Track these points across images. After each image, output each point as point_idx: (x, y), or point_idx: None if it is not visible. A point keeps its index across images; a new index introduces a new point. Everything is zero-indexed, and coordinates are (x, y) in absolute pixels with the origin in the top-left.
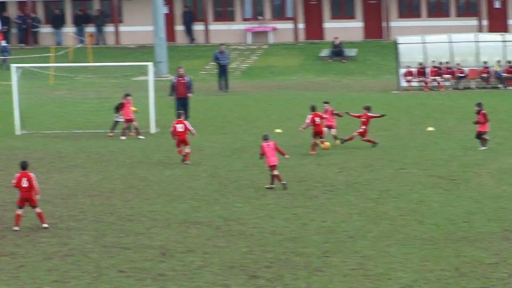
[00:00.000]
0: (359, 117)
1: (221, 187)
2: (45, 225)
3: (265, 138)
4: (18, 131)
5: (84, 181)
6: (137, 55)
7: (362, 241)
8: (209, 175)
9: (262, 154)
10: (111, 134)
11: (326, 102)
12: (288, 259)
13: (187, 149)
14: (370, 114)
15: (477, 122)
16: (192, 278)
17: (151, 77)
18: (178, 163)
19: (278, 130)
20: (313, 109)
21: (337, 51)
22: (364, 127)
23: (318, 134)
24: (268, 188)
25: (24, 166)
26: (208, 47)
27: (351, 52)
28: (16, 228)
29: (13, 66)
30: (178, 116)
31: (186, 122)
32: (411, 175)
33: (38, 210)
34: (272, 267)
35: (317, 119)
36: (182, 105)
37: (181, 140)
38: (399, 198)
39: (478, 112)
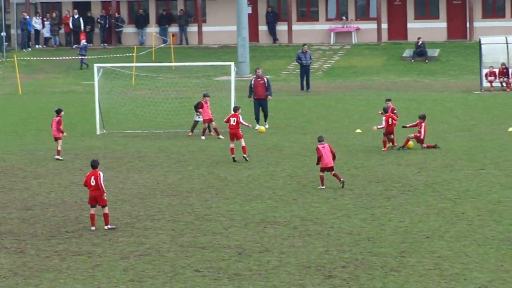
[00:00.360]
0: (415, 126)
1: (299, 187)
2: (106, 227)
3: (320, 140)
4: (98, 131)
5: (162, 181)
6: (219, 55)
7: (439, 241)
8: (288, 175)
9: (320, 157)
10: (190, 134)
11: (388, 100)
12: (364, 259)
13: (242, 143)
14: (425, 123)
15: None
16: (268, 277)
17: (232, 77)
18: (257, 162)
19: (358, 131)
20: (385, 110)
21: (420, 52)
22: (419, 134)
23: (389, 133)
24: (321, 188)
25: (94, 165)
26: (290, 47)
27: (433, 52)
28: (92, 228)
29: (95, 66)
30: (234, 110)
31: (240, 116)
32: (490, 176)
33: (105, 210)
34: (348, 267)
35: (390, 120)
36: (261, 106)
37: (232, 133)
38: (477, 199)
39: None
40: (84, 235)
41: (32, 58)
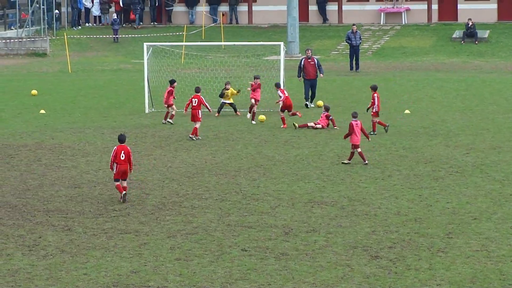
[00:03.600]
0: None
1: (347, 167)
2: (124, 196)
3: (354, 116)
4: (147, 109)
5: (210, 160)
6: (269, 35)
7: (486, 222)
8: (336, 155)
9: (350, 132)
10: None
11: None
12: (411, 240)
13: (196, 125)
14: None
15: None
16: (314, 257)
17: (282, 57)
18: (305, 142)
19: (407, 111)
20: (277, 85)
21: (470, 33)
22: (372, 105)
23: (286, 108)
24: (345, 163)
25: (122, 139)
26: (340, 27)
27: (483, 33)
28: (123, 193)
29: (145, 44)
30: (196, 90)
31: (201, 97)
32: None
33: (125, 184)
34: (395, 247)
35: (283, 94)
36: (311, 86)
37: (192, 114)
38: None
39: None
40: (131, 213)
41: (82, 36)
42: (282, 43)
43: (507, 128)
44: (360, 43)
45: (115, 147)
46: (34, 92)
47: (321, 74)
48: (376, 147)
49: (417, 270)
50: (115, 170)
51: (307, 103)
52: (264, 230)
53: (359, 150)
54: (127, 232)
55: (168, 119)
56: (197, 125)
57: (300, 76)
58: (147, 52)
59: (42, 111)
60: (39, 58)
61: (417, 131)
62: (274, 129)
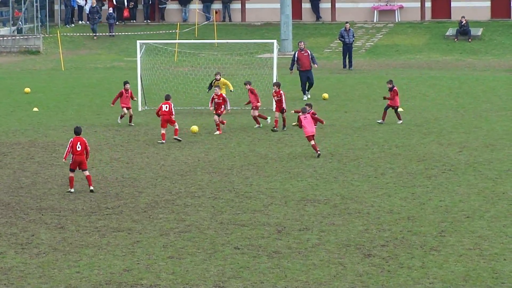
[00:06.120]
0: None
1: (340, 165)
2: (91, 188)
3: (303, 111)
4: (140, 107)
5: (203, 158)
6: (262, 33)
7: (479, 221)
8: (329, 153)
9: (300, 126)
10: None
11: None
12: (404, 238)
13: (175, 126)
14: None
15: (387, 98)
16: (307, 255)
17: (275, 55)
18: (298, 140)
19: (400, 109)
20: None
21: (463, 30)
22: (280, 102)
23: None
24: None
25: (78, 131)
26: (333, 25)
27: (477, 31)
28: (72, 190)
29: (138, 42)
30: (166, 98)
31: (171, 103)
32: None
33: (87, 173)
34: (387, 246)
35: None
36: (306, 77)
37: (164, 120)
38: None
39: (391, 89)
40: (124, 211)
41: (75, 34)
42: (275, 41)
43: (500, 126)
44: (353, 41)
45: (71, 138)
46: (27, 90)
47: (315, 65)
48: (369, 145)
49: (410, 268)
50: (71, 160)
51: (305, 97)
52: (256, 228)
53: (312, 142)
54: (120, 230)
55: (121, 120)
56: (176, 126)
57: (292, 69)
58: (140, 50)
59: (35, 109)
60: (32, 55)
61: (410, 129)
62: (267, 128)
